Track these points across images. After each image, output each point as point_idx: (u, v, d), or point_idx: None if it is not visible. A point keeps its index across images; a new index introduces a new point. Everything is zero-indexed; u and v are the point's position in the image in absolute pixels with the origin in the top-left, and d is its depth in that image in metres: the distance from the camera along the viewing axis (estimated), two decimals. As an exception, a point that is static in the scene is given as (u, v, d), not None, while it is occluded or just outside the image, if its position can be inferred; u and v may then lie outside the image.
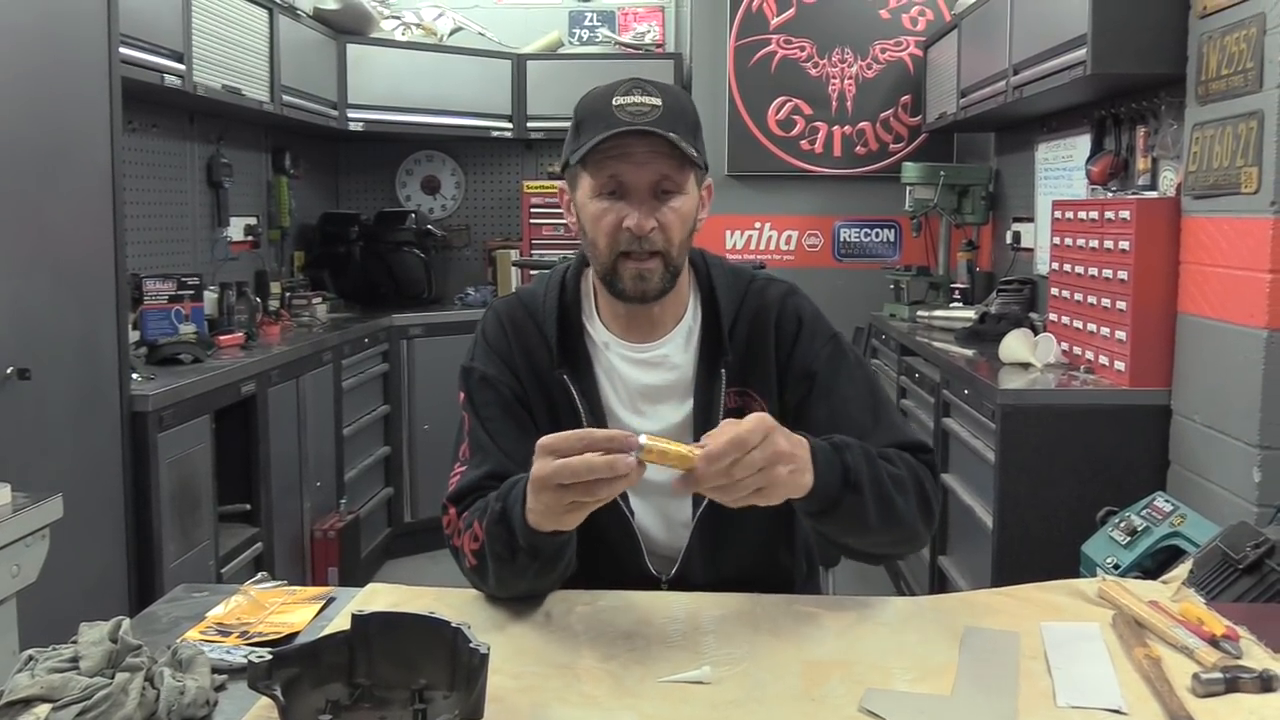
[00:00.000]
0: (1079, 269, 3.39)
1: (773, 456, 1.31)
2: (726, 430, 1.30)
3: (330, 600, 1.56)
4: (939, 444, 3.82)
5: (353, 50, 5.21)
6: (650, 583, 1.68)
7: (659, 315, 1.68)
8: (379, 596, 1.57)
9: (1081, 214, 3.38)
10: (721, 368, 1.66)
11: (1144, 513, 2.71)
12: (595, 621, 1.48)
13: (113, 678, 1.15)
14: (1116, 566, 2.61)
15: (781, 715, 1.23)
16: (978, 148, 5.48)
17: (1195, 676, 1.29)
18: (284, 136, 5.15)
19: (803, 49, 5.55)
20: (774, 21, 5.55)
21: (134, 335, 3.45)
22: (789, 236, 5.70)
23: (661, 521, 1.70)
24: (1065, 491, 3.06)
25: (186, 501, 3.10)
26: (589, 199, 1.60)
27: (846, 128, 5.59)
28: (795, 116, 5.58)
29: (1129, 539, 2.65)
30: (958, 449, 3.66)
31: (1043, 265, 4.31)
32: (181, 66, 3.56)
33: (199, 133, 4.37)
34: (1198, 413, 2.91)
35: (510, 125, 5.69)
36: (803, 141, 5.60)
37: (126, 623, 1.25)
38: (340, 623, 1.44)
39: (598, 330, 1.71)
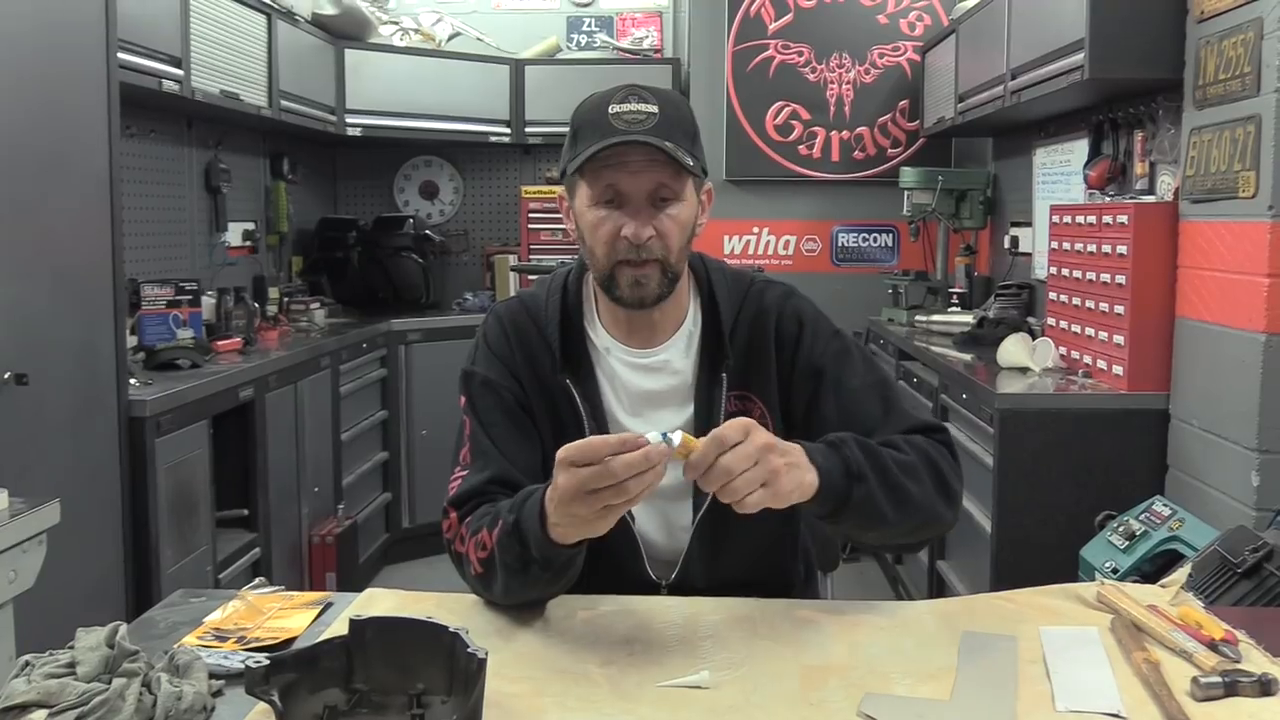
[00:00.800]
0: (1077, 273, 3.39)
1: (762, 447, 1.32)
2: (708, 438, 1.32)
3: (328, 605, 1.56)
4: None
5: (351, 56, 5.21)
6: (650, 588, 1.67)
7: (659, 320, 1.68)
8: (377, 602, 1.57)
9: (1079, 218, 3.38)
10: (723, 372, 1.66)
11: (1142, 517, 2.71)
12: (594, 626, 1.48)
13: (109, 683, 1.15)
14: (1115, 571, 2.61)
15: (780, 720, 1.23)
16: (976, 153, 5.49)
17: (1194, 680, 1.29)
18: (282, 142, 5.15)
19: (801, 54, 5.55)
20: (772, 26, 5.55)
21: (132, 340, 3.45)
22: (787, 241, 5.70)
23: (662, 527, 1.70)
24: (1063, 496, 3.06)
25: (184, 507, 3.09)
26: (587, 207, 1.60)
27: (845, 133, 5.59)
28: (793, 121, 5.58)
29: (1127, 543, 2.66)
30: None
31: (1041, 270, 4.31)
32: (179, 71, 3.56)
33: (197, 138, 4.37)
34: (1196, 417, 2.91)
35: (509, 130, 5.69)
36: (801, 146, 5.60)
37: (123, 628, 1.24)
38: (338, 628, 1.44)
39: (599, 335, 1.71)
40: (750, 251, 5.66)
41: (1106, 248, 3.18)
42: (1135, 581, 2.55)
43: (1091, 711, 1.24)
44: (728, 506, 1.64)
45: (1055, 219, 3.60)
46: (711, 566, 1.67)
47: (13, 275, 2.50)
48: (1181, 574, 1.61)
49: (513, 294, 1.82)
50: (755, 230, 5.69)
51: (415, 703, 1.20)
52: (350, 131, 5.24)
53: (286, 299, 4.91)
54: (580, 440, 1.32)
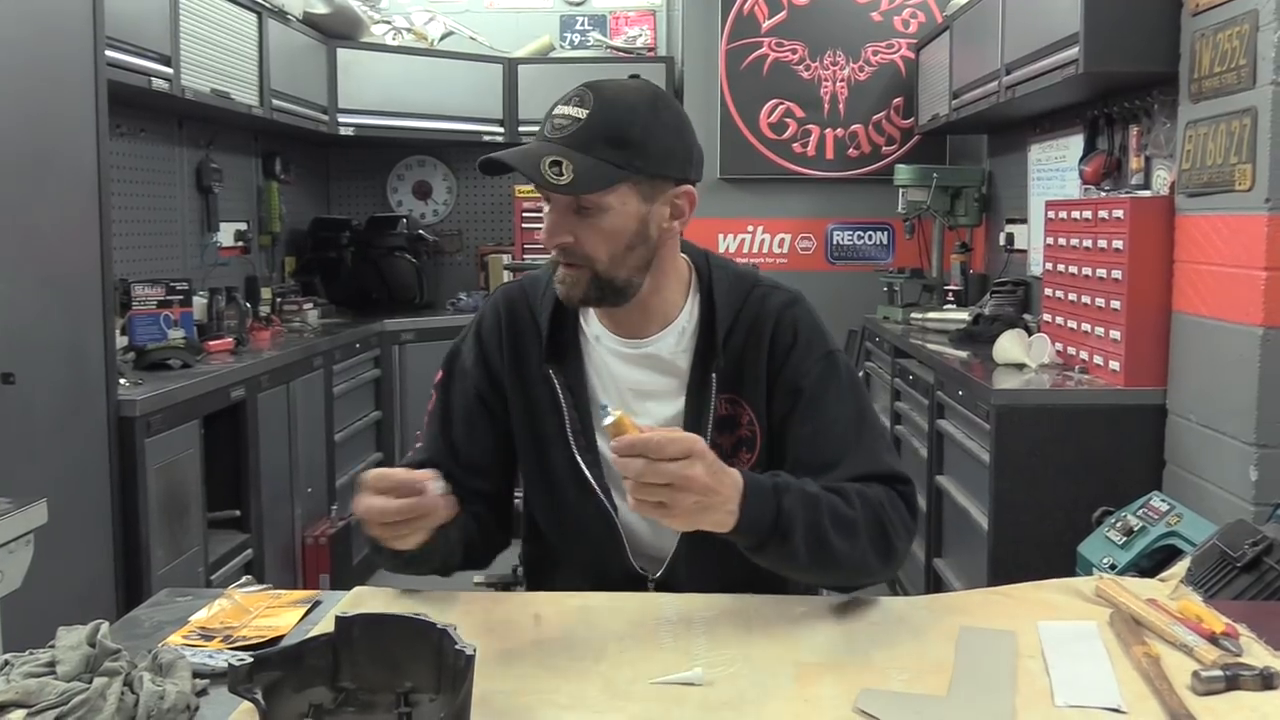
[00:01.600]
0: (1073, 269, 3.37)
1: (683, 480, 1.29)
2: (656, 431, 1.32)
3: (316, 604, 1.54)
4: (933, 446, 3.81)
5: (343, 55, 5.18)
6: (636, 581, 1.65)
7: (644, 313, 1.65)
8: (365, 600, 1.55)
9: (1075, 214, 3.37)
10: (713, 372, 1.64)
11: (1140, 512, 2.69)
12: (585, 623, 1.46)
13: (90, 682, 1.13)
14: (1113, 567, 2.59)
15: (775, 716, 1.21)
16: (970, 149, 5.48)
17: (1195, 674, 1.27)
18: (274, 141, 5.12)
19: (794, 51, 5.54)
20: (765, 24, 5.54)
21: (122, 340, 3.43)
22: (782, 240, 5.69)
23: (648, 522, 1.68)
24: (1060, 492, 3.04)
25: (175, 508, 3.07)
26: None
27: (839, 130, 5.58)
28: (787, 119, 5.57)
29: (1125, 539, 2.63)
30: (952, 450, 3.64)
31: (1036, 266, 4.30)
32: (169, 70, 3.54)
33: (188, 137, 4.35)
34: (1193, 412, 2.89)
35: (502, 130, 5.67)
36: (795, 144, 5.59)
37: (105, 626, 1.22)
38: (325, 626, 1.42)
39: (590, 323, 1.69)
40: (745, 250, 5.64)
41: (1103, 243, 3.16)
42: (1134, 577, 2.54)
43: (1091, 706, 1.22)
44: None
45: (1051, 215, 3.58)
46: (701, 565, 1.64)
47: (0, 274, 2.47)
48: (1181, 568, 1.59)
49: (520, 276, 1.79)
50: (750, 229, 5.68)
51: (403, 701, 1.18)
52: (343, 131, 5.21)
53: (279, 299, 4.89)
54: (385, 470, 1.40)
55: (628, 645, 1.38)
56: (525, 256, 5.52)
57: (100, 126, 2.84)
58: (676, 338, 1.67)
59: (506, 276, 5.50)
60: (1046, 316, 3.60)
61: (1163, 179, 3.23)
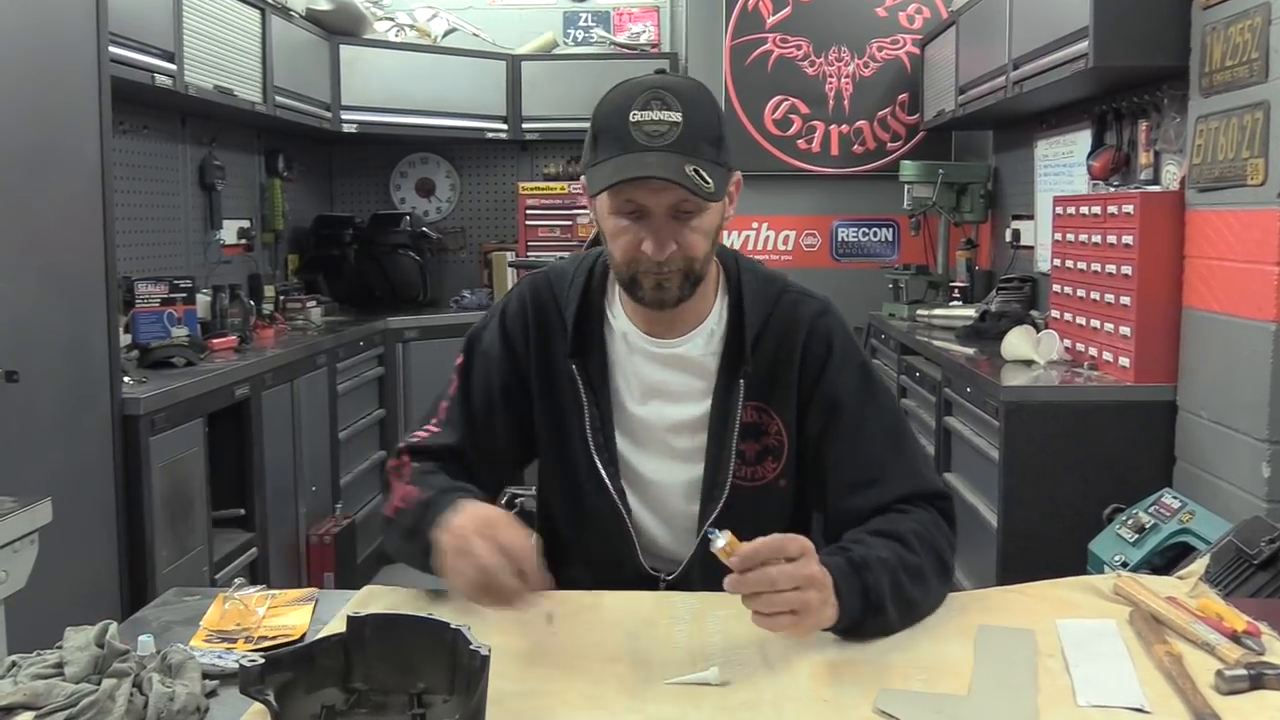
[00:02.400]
0: (1081, 265, 3.35)
1: (808, 578, 1.27)
2: (768, 539, 1.27)
3: (315, 601, 1.52)
4: (940, 443, 3.79)
5: (346, 51, 5.16)
6: (648, 580, 1.64)
7: (680, 313, 1.61)
8: (375, 599, 1.53)
9: (1084, 209, 3.35)
10: (741, 378, 1.60)
11: (1152, 510, 2.67)
12: (599, 622, 1.44)
13: (99, 684, 1.11)
14: (1125, 564, 2.57)
15: (793, 717, 1.19)
16: (976, 146, 5.45)
17: (1219, 674, 1.25)
18: (277, 138, 5.10)
19: (799, 48, 5.52)
20: (770, 20, 5.52)
21: (125, 338, 3.40)
22: (786, 236, 5.67)
23: (661, 522, 1.66)
24: (1070, 489, 3.02)
25: (179, 506, 3.05)
26: (607, 214, 1.54)
27: (844, 126, 5.55)
28: (792, 116, 5.55)
29: (1137, 536, 2.62)
30: (960, 447, 3.62)
31: (1043, 262, 4.28)
32: (172, 66, 3.52)
33: (191, 134, 4.33)
34: (1204, 408, 2.87)
35: (505, 126, 5.65)
36: (800, 141, 5.56)
37: (114, 627, 1.20)
38: (336, 625, 1.40)
39: (618, 319, 1.66)
40: (749, 247, 5.63)
41: (1112, 238, 3.14)
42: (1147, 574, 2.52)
43: (1114, 706, 1.20)
44: (739, 519, 1.60)
45: (1059, 210, 3.56)
46: (717, 568, 1.62)
47: (2, 271, 2.45)
48: (1200, 565, 1.57)
49: (547, 265, 1.77)
50: (754, 225, 5.66)
51: (416, 702, 1.16)
52: (346, 128, 5.19)
53: (282, 297, 4.87)
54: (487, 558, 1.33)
55: (642, 645, 1.37)
56: (529, 254, 5.50)
57: (103, 123, 2.82)
58: (706, 339, 1.64)
59: (511, 274, 5.47)
60: (1055, 313, 3.58)
61: (1172, 174, 3.20)
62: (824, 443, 1.60)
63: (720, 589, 1.55)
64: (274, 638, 1.40)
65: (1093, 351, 3.27)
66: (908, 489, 1.55)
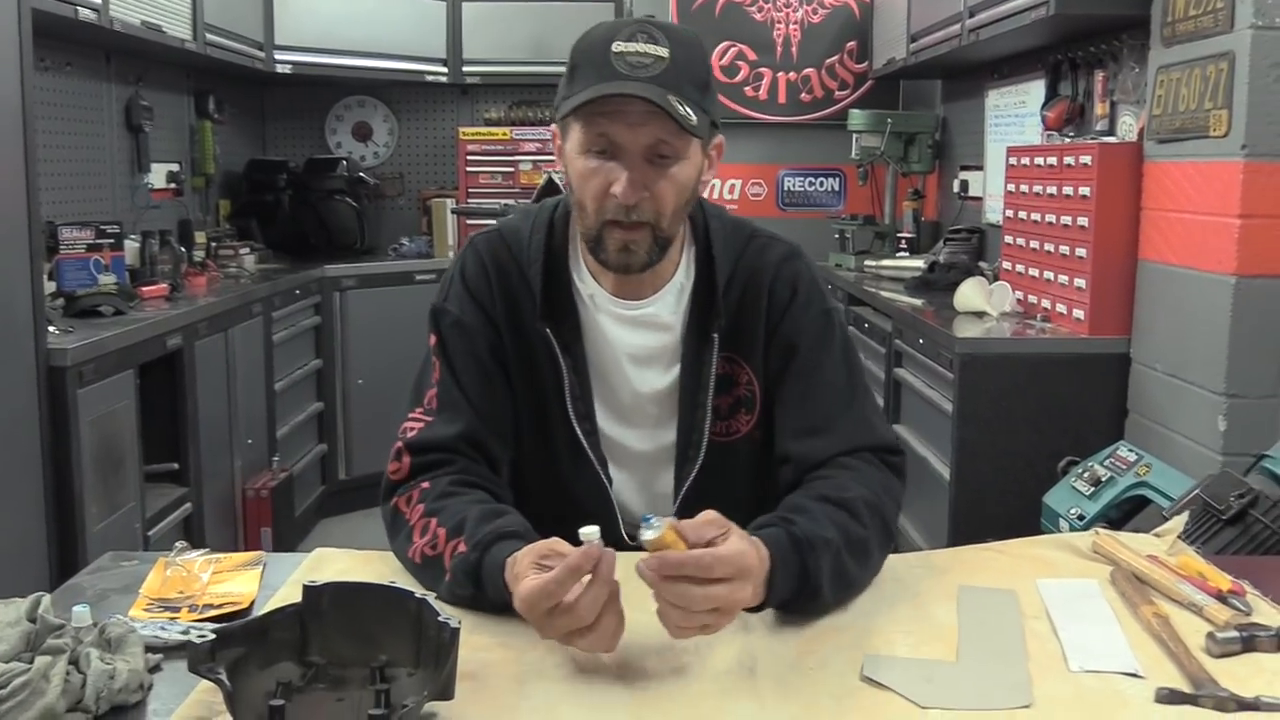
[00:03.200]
0: (1035, 216, 3.32)
1: (731, 605, 1.16)
2: (696, 555, 1.13)
3: (263, 565, 1.43)
4: (890, 395, 3.76)
5: (280, -12, 4.97)
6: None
7: (649, 271, 1.50)
8: (327, 564, 1.44)
9: (1039, 160, 3.31)
10: (714, 332, 1.52)
11: (1107, 462, 2.66)
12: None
13: (32, 662, 1.02)
14: (1081, 518, 2.56)
15: (778, 686, 1.13)
16: (924, 95, 5.41)
17: (1210, 636, 1.21)
18: (208, 79, 4.90)
19: (747, -8, 5.41)
20: (717, -37, 5.40)
21: (50, 286, 3.26)
22: (732, 186, 5.61)
23: (642, 493, 1.59)
24: (1023, 442, 3.00)
25: (110, 462, 2.92)
26: (577, 154, 1.42)
27: (791, 74, 5.48)
28: (739, 62, 5.45)
29: (1093, 489, 2.61)
30: (910, 399, 3.60)
31: (993, 214, 4.25)
32: (97, 0, 3.34)
33: (116, 73, 4.13)
34: (1159, 361, 2.86)
35: (445, 69, 5.49)
36: (747, 88, 5.48)
37: (46, 599, 1.11)
38: (287, 592, 1.32)
39: (585, 282, 1.55)
40: (695, 196, 5.53)
41: (1068, 189, 3.11)
42: (1104, 528, 2.51)
43: (1108, 671, 1.16)
44: (714, 477, 1.51)
45: (1013, 161, 3.52)
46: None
47: (-84, 213, 2.31)
48: (1178, 523, 1.54)
49: (492, 225, 1.64)
50: (700, 174, 5.56)
51: (378, 676, 1.09)
52: (279, 69, 5.00)
53: (214, 244, 4.69)
54: (527, 587, 1.14)
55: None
56: (470, 200, 5.36)
57: (23, 59, 2.65)
58: (675, 297, 1.55)
59: (451, 221, 5.34)
60: (1006, 264, 3.56)
61: (1129, 125, 3.18)
62: (778, 386, 1.54)
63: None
64: (220, 606, 1.31)
65: (1045, 304, 3.25)
66: (858, 441, 1.48)
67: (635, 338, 1.54)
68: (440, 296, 1.57)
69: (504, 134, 5.43)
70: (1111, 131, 3.28)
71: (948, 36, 3.95)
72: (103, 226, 3.46)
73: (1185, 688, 1.12)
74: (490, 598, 1.25)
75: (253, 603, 1.33)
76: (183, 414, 3.44)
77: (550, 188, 4.44)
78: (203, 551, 1.46)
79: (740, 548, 1.16)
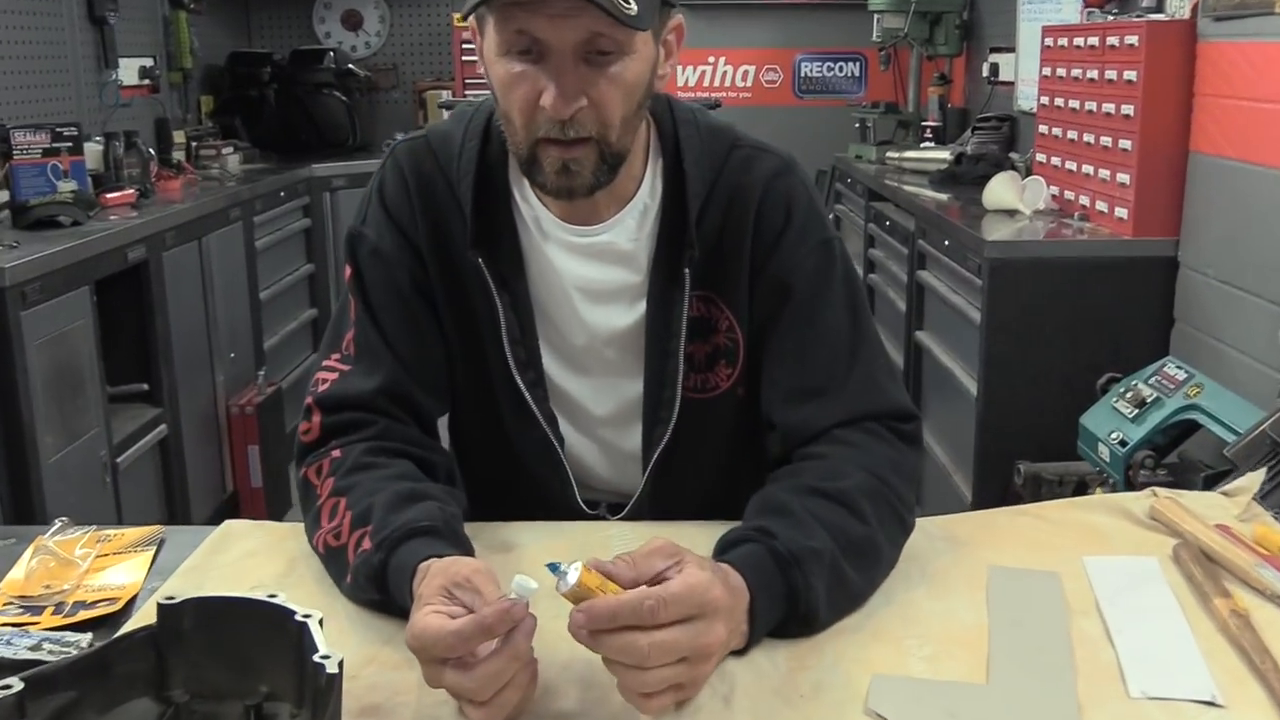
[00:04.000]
0: (1073, 104, 3.01)
1: (702, 650, 0.90)
2: (627, 597, 0.88)
3: (161, 543, 1.21)
4: (912, 299, 3.50)
5: None
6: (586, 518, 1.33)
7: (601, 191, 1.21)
8: (234, 540, 1.22)
9: (1078, 40, 2.99)
10: (685, 265, 1.23)
11: (1153, 381, 2.40)
12: (517, 561, 1.13)
13: None
14: (1123, 443, 2.31)
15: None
16: (951, -29, 5.02)
17: (1305, 644, 0.97)
18: (180, -36, 4.57)
19: None
20: None
21: (3, 195, 3.01)
22: (745, 72, 5.31)
23: (604, 457, 1.35)
24: (1059, 355, 2.74)
25: (65, 387, 2.71)
26: (496, 57, 1.12)
27: (808, -51, 5.10)
28: (752, -63, 5.08)
29: (1136, 411, 2.35)
30: (935, 305, 3.33)
31: (1025, 100, 3.93)
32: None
33: (75, -43, 3.83)
34: (1211, 265, 2.58)
35: (438, -49, 5.14)
36: (760, -35, 5.12)
37: None
38: (177, 585, 1.10)
39: (527, 202, 1.27)
40: (705, 84, 5.24)
41: (1111, 74, 2.80)
42: (1147, 456, 2.27)
43: (1178, 699, 0.92)
44: (692, 439, 1.28)
45: (1048, 42, 3.20)
46: (668, 505, 1.30)
47: None
48: (1253, 480, 1.29)
49: (419, 129, 1.35)
50: (711, 60, 5.27)
51: (254, 714, 0.86)
52: (259, -49, 4.67)
53: (195, 144, 4.42)
54: (422, 625, 0.89)
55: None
56: (467, 93, 5.05)
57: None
58: (638, 219, 1.26)
59: (445, 115, 5.03)
60: (1040, 157, 3.26)
61: (1180, 3, 2.84)
62: (767, 334, 1.26)
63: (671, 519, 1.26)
64: (94, 604, 1.09)
65: (1084, 201, 2.96)
66: (862, 407, 1.20)
67: (589, 270, 1.26)
68: (358, 218, 1.30)
69: (501, 20, 5.08)
70: (1160, 9, 2.95)
71: (979, -98, 3.58)
72: (59, 129, 3.19)
73: (1278, 722, 0.89)
74: (399, 604, 1.01)
75: (133, 599, 1.11)
76: (151, 330, 3.21)
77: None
78: (89, 528, 1.23)
79: (697, 579, 0.90)
